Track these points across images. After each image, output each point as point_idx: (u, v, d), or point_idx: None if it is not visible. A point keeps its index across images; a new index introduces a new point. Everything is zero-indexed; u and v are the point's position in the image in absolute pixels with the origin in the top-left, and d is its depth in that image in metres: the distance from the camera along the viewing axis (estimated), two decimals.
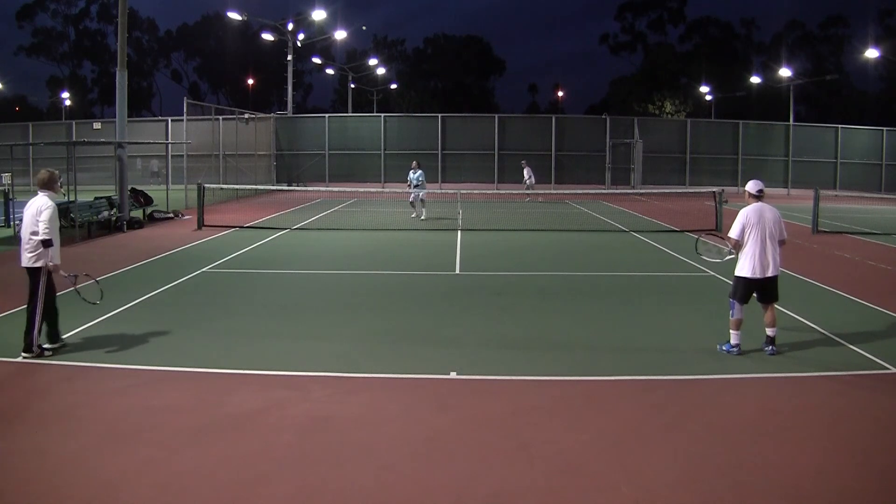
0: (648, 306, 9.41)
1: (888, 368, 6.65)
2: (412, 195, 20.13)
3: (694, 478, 4.54)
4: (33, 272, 7.09)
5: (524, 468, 4.66)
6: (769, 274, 6.90)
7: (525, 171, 28.11)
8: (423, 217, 19.66)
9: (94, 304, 7.81)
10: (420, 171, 19.98)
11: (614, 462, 4.76)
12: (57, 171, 7.45)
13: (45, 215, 6.94)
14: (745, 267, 6.94)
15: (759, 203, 7.05)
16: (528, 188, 28.15)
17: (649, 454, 4.87)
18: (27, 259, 7.06)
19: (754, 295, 7.05)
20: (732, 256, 7.21)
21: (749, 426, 5.35)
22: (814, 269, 11.86)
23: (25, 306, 7.14)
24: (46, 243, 6.94)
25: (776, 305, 7.16)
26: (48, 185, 7.24)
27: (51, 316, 7.20)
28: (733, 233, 7.04)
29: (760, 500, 4.28)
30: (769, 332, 7.01)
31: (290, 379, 6.40)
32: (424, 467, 4.69)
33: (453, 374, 6.47)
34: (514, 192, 31.15)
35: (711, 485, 4.45)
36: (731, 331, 7.02)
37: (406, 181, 19.93)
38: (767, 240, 6.89)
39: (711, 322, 8.28)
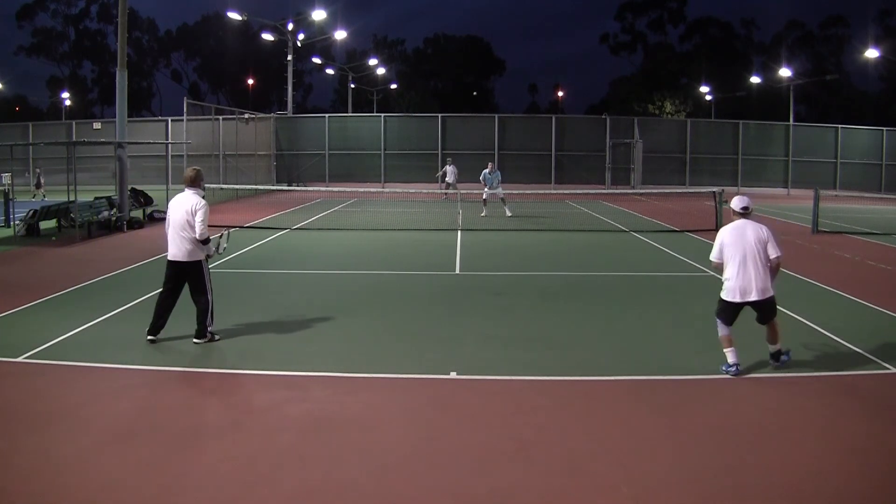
0: (648, 306, 9.41)
1: (888, 368, 6.65)
2: (486, 193, 20.94)
3: (694, 478, 4.54)
4: (192, 265, 7.30)
5: (524, 468, 4.66)
6: (752, 298, 6.32)
7: (449, 169, 27.54)
8: (508, 214, 20.54)
9: (220, 253, 7.92)
10: (496, 172, 21.22)
11: (614, 462, 4.76)
12: (201, 169, 7.67)
13: (200, 215, 7.17)
14: (727, 289, 6.43)
15: (742, 220, 6.47)
16: (447, 186, 27.47)
17: (649, 454, 4.87)
18: (185, 253, 7.24)
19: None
20: None
21: (749, 426, 5.35)
22: (814, 269, 11.86)
23: (193, 299, 7.39)
24: (204, 242, 7.23)
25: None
26: (195, 183, 7.39)
27: (167, 311, 7.40)
28: (712, 255, 6.60)
29: (760, 500, 4.28)
30: (770, 348, 6.57)
31: (290, 379, 6.40)
32: (424, 467, 4.69)
33: (453, 374, 6.47)
34: (514, 192, 31.09)
35: (711, 485, 4.45)
36: (724, 350, 6.50)
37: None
38: (749, 261, 6.29)
39: (711, 322, 8.27)
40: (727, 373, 6.45)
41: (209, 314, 7.35)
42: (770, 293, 6.36)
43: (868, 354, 7.05)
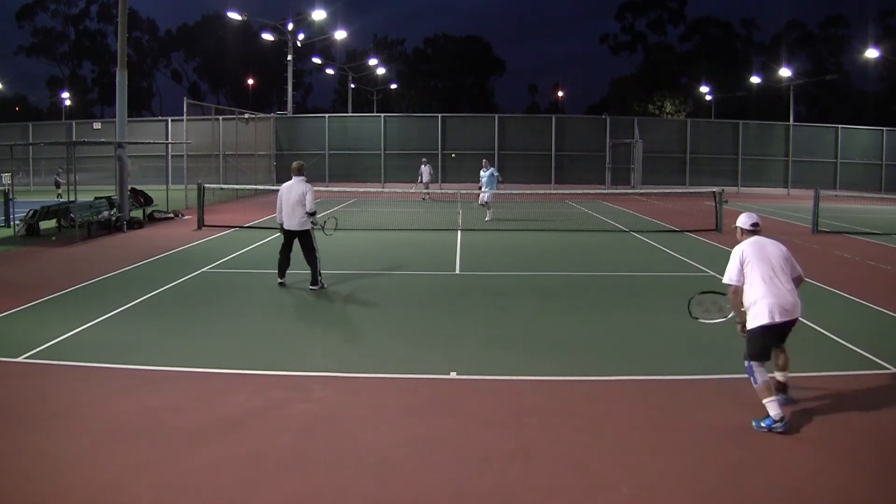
0: (648, 306, 9.41)
1: (888, 368, 6.65)
2: (481, 196, 19.93)
3: (694, 478, 4.54)
4: (303, 232, 10.06)
5: (524, 468, 4.66)
6: (795, 316, 5.36)
7: (424, 169, 27.63)
8: (487, 219, 19.19)
9: (328, 234, 11.12)
10: (490, 170, 19.94)
11: (614, 462, 4.76)
12: (304, 163, 10.64)
13: (310, 195, 9.96)
14: (762, 312, 5.30)
15: (757, 237, 5.57)
16: (425, 187, 27.61)
17: (649, 454, 4.87)
18: (298, 224, 10.00)
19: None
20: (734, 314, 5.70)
21: (749, 426, 5.34)
22: (814, 269, 11.84)
23: (305, 257, 10.14)
24: (313, 214, 10.04)
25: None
26: (300, 172, 10.20)
27: (286, 264, 10.30)
28: (729, 276, 5.49)
29: (760, 500, 4.28)
30: (780, 377, 5.59)
31: (290, 379, 6.40)
32: (425, 467, 4.69)
33: (453, 374, 6.47)
34: (514, 192, 31.13)
35: (711, 485, 4.45)
36: (764, 402, 5.24)
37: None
38: (779, 276, 5.36)
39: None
40: (772, 430, 5.17)
41: (317, 269, 10.02)
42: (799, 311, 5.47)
43: (868, 354, 7.05)
